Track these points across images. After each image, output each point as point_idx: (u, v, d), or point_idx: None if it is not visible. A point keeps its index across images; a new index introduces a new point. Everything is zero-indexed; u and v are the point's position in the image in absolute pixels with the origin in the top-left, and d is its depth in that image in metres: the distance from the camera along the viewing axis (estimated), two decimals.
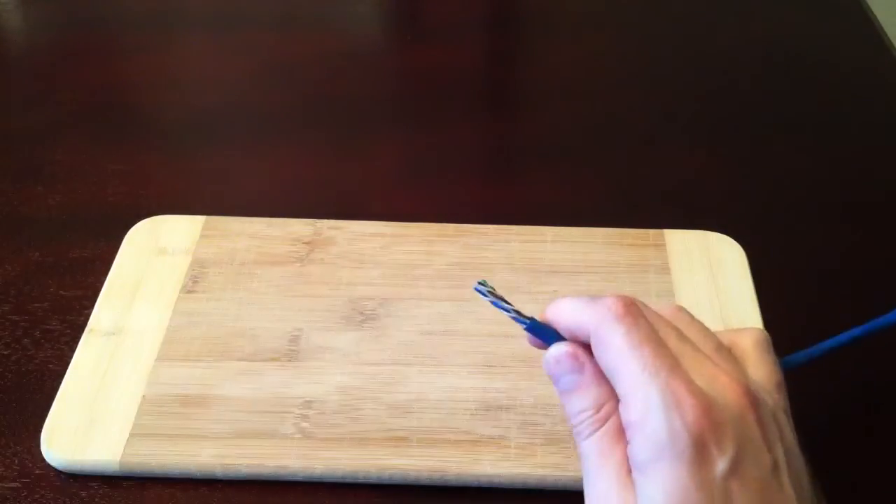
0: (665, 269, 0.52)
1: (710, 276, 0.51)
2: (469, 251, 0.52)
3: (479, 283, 0.36)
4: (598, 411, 0.33)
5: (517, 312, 0.35)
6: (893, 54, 0.70)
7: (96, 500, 0.42)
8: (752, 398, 0.33)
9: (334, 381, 0.45)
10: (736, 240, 0.53)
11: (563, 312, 0.35)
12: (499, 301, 0.35)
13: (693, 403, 0.31)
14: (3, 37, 0.75)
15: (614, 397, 0.33)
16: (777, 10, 0.76)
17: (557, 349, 0.35)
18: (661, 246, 0.53)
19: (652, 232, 0.54)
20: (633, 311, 0.33)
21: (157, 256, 0.52)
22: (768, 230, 0.56)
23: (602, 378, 0.34)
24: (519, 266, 0.52)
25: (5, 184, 0.59)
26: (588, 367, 0.34)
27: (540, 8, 0.78)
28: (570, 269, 0.52)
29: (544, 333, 0.35)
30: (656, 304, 0.35)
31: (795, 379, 0.38)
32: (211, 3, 0.77)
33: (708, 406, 0.31)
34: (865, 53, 0.71)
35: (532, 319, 0.35)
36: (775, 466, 0.32)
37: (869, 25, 0.73)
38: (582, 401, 0.34)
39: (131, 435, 0.43)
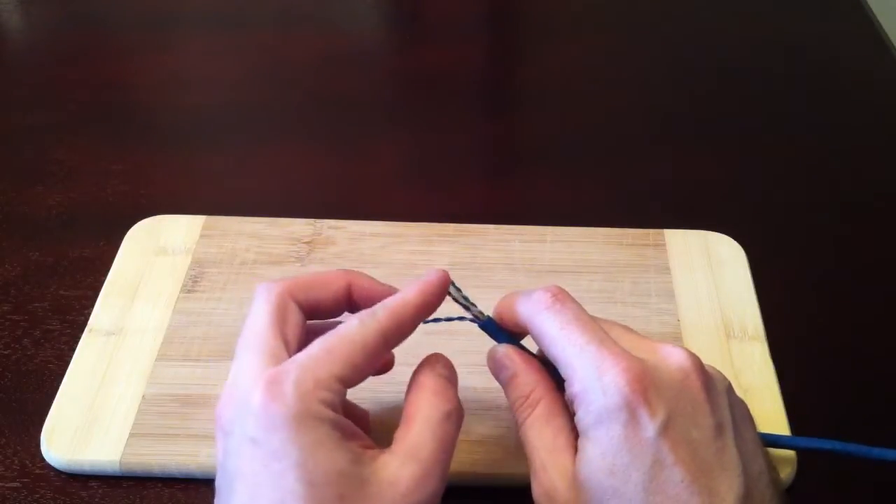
0: (665, 269, 0.52)
1: (710, 276, 0.51)
2: (469, 251, 0.53)
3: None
4: (527, 398, 0.36)
5: (479, 312, 0.39)
6: (893, 54, 0.70)
7: (96, 500, 0.42)
8: (697, 363, 0.35)
9: None
10: (736, 240, 0.53)
11: (504, 311, 0.38)
12: (463, 299, 0.38)
13: (625, 368, 0.33)
14: (3, 37, 0.75)
15: (543, 383, 0.37)
16: (777, 11, 0.76)
17: (493, 350, 0.38)
18: (661, 246, 0.53)
19: (652, 232, 0.54)
20: (560, 298, 0.36)
21: (157, 256, 0.52)
22: (768, 230, 0.56)
23: (531, 369, 0.37)
24: (519, 266, 0.52)
25: (5, 184, 0.59)
26: (517, 362, 0.37)
27: (540, 8, 0.78)
28: (570, 269, 0.52)
29: (497, 332, 0.38)
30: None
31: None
32: (211, 3, 0.77)
33: (639, 371, 0.33)
34: (865, 53, 0.71)
35: (488, 318, 0.38)
36: (719, 428, 0.34)
37: (869, 25, 0.73)
38: (515, 391, 0.37)
39: (131, 435, 0.43)
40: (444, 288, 0.37)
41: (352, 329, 0.35)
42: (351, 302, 0.39)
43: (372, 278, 0.39)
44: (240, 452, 0.32)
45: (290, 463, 0.31)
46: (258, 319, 0.35)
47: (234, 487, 0.32)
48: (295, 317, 0.36)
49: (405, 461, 0.33)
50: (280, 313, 0.36)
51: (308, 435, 0.31)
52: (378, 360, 0.35)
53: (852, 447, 0.40)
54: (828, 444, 0.41)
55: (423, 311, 0.37)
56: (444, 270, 0.37)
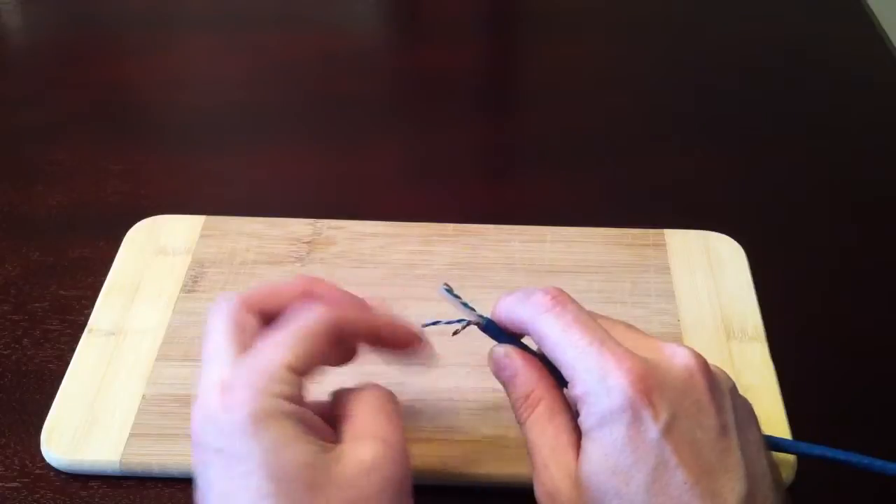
0: (665, 269, 0.52)
1: (710, 276, 0.51)
2: (469, 251, 0.53)
3: (445, 287, 0.38)
4: (528, 398, 0.36)
5: (478, 315, 0.38)
6: (893, 54, 0.70)
7: (96, 500, 0.42)
8: (702, 363, 0.35)
9: (334, 381, 0.45)
10: (736, 240, 0.53)
11: (503, 312, 0.38)
12: (463, 304, 0.38)
13: (628, 368, 0.33)
14: (3, 37, 0.75)
15: (544, 382, 0.37)
16: (777, 10, 0.76)
17: (493, 350, 0.38)
18: (661, 246, 0.53)
19: (652, 232, 0.54)
20: (560, 300, 0.36)
21: (156, 256, 0.52)
22: (768, 230, 0.56)
23: (531, 368, 0.37)
24: (519, 266, 0.52)
25: (5, 184, 0.59)
26: (517, 362, 0.37)
27: (540, 8, 0.78)
28: (570, 269, 0.52)
29: (497, 333, 0.38)
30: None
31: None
32: (211, 3, 0.77)
33: (642, 371, 0.33)
34: (865, 53, 0.71)
35: (487, 320, 0.38)
36: (723, 430, 0.34)
37: (869, 25, 0.73)
38: (516, 390, 0.37)
39: (131, 435, 0.43)
40: (408, 340, 0.38)
41: (293, 320, 0.35)
42: None
43: (331, 284, 0.39)
44: (207, 463, 0.32)
45: (254, 464, 0.31)
46: (216, 333, 0.36)
47: (208, 498, 0.32)
48: (252, 326, 0.36)
49: (360, 440, 0.33)
50: (237, 324, 0.36)
51: (268, 433, 0.32)
52: (325, 346, 0.35)
53: (854, 457, 0.40)
54: (829, 453, 0.40)
55: (377, 324, 0.37)
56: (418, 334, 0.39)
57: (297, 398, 0.33)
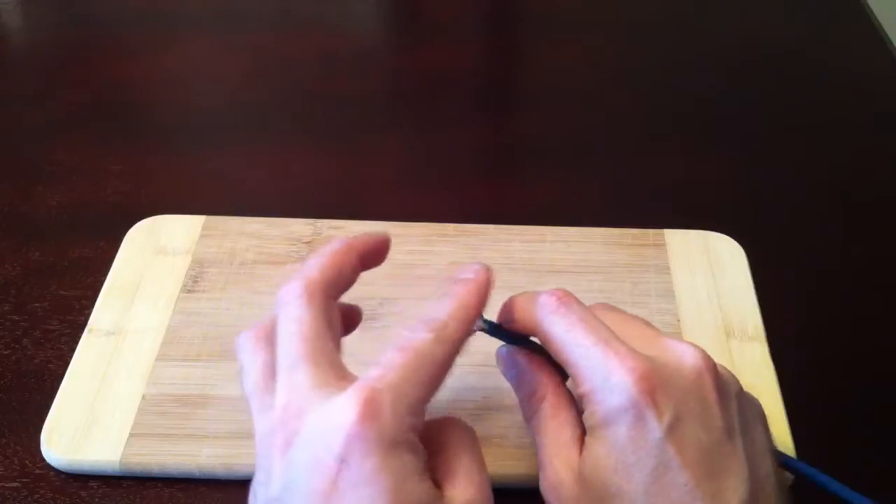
0: (665, 269, 0.52)
1: (710, 276, 0.51)
2: (469, 251, 0.52)
3: None
4: (533, 396, 0.37)
5: (482, 319, 0.38)
6: (893, 54, 0.70)
7: (96, 500, 0.42)
8: (710, 364, 0.35)
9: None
10: (736, 240, 0.53)
11: (510, 314, 0.38)
12: None
13: (631, 367, 0.33)
14: (3, 37, 0.75)
15: (548, 380, 0.37)
16: (777, 10, 0.76)
17: (500, 350, 0.39)
18: (661, 246, 0.53)
19: (652, 232, 0.54)
20: (566, 301, 0.36)
21: (156, 256, 0.52)
22: (768, 230, 0.56)
23: (536, 367, 0.38)
24: (519, 266, 0.52)
25: (5, 184, 0.59)
26: (522, 361, 0.38)
27: (540, 8, 0.78)
28: (570, 269, 0.52)
29: (503, 334, 0.39)
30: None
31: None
32: (211, 3, 0.77)
33: (646, 370, 0.33)
34: (865, 53, 0.71)
35: (491, 322, 0.38)
36: (729, 432, 0.34)
37: (869, 25, 0.73)
38: (522, 390, 0.38)
39: (131, 435, 0.43)
40: (492, 284, 0.37)
41: (429, 346, 0.33)
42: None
43: (365, 235, 0.38)
44: (317, 469, 0.30)
45: (381, 489, 0.30)
46: (307, 323, 0.34)
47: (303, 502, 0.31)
48: (337, 316, 0.36)
49: (460, 485, 0.33)
50: (327, 316, 0.34)
51: (400, 462, 0.31)
52: (445, 376, 0.34)
53: (855, 497, 0.38)
54: (834, 486, 0.38)
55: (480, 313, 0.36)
56: (487, 266, 0.37)
57: (419, 432, 0.32)
